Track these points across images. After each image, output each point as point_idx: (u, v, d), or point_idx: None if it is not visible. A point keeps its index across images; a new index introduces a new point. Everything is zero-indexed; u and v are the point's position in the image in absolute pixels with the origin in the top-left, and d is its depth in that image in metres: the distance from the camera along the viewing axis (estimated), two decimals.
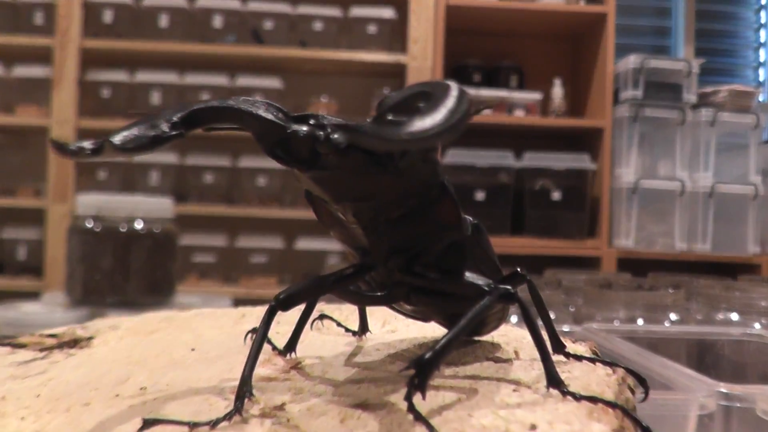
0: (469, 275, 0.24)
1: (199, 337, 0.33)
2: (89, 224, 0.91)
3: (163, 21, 1.56)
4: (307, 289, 0.24)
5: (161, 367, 0.28)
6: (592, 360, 0.26)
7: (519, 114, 1.61)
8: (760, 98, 1.75)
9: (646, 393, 0.24)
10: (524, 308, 0.23)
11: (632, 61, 1.55)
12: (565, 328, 0.66)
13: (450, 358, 0.25)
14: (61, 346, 0.33)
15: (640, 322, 0.80)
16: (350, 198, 0.22)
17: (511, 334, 0.31)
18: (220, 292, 1.39)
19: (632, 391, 0.24)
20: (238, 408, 0.21)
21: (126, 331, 0.35)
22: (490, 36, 1.71)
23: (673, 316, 0.83)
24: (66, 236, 0.96)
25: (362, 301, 0.27)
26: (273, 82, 1.58)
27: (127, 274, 0.93)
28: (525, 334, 0.30)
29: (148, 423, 0.20)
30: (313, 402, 0.22)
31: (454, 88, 0.20)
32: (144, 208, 0.95)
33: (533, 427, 0.19)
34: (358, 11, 1.58)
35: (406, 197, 0.22)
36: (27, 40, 1.54)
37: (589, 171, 1.58)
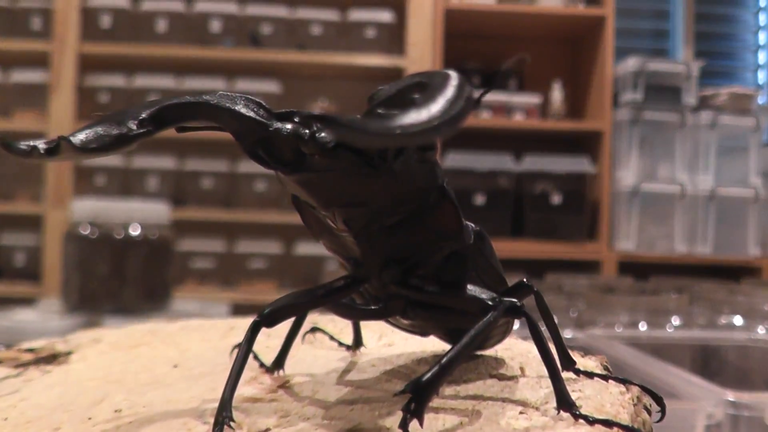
0: (471, 288, 0.22)
1: (183, 352, 0.31)
2: (85, 230, 0.90)
3: (161, 25, 1.56)
4: (294, 303, 0.22)
5: (141, 385, 0.26)
6: (604, 377, 0.24)
7: (518, 117, 1.60)
8: (760, 101, 1.75)
9: (663, 412, 0.23)
10: (532, 323, 0.21)
11: (632, 64, 1.54)
12: (568, 333, 0.65)
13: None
14: (37, 362, 0.31)
15: (642, 326, 0.79)
16: (340, 203, 0.20)
17: (515, 348, 0.29)
18: (218, 298, 1.37)
19: (648, 412, 0.22)
20: None
21: (108, 345, 0.33)
22: (489, 39, 1.70)
23: (675, 321, 0.81)
24: (62, 242, 0.95)
25: (355, 316, 0.25)
26: (271, 86, 1.57)
27: (123, 280, 0.92)
28: (531, 348, 0.28)
29: None
30: (301, 426, 0.20)
31: (453, 76, 0.17)
32: (140, 214, 0.93)
33: None
34: (356, 15, 1.57)
35: (401, 202, 0.20)
36: (25, 45, 1.53)
37: (589, 174, 1.56)
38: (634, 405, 0.22)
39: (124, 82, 1.57)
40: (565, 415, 0.20)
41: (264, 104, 0.19)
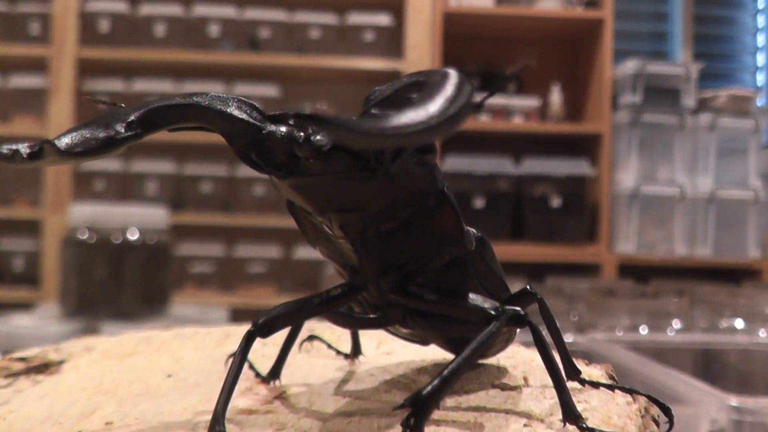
0: (473, 296, 0.21)
1: (177, 361, 0.30)
2: (83, 235, 0.89)
3: (160, 30, 1.56)
4: (289, 313, 0.21)
5: (133, 396, 0.25)
6: (610, 387, 0.23)
7: (518, 120, 1.59)
8: (759, 103, 1.75)
9: (671, 423, 0.22)
10: (536, 332, 0.20)
11: (631, 66, 1.54)
12: (568, 337, 0.64)
13: None
14: (28, 371, 0.30)
15: (643, 330, 0.79)
16: (336, 208, 0.19)
17: (518, 356, 0.28)
18: (217, 302, 1.37)
19: (656, 423, 0.21)
20: None
21: (100, 353, 0.32)
22: (487, 42, 1.70)
23: (677, 324, 0.81)
24: (60, 247, 0.94)
25: (353, 325, 0.24)
26: (270, 90, 1.57)
27: (122, 285, 0.91)
28: (534, 356, 0.27)
29: None
30: None
31: (453, 74, 0.16)
32: (138, 219, 0.93)
33: None
34: (355, 18, 1.57)
35: (399, 207, 0.20)
36: (23, 49, 1.53)
37: (588, 177, 1.56)
38: (642, 416, 0.21)
39: (123, 86, 1.56)
40: (571, 427, 0.20)
41: (257, 106, 0.19)
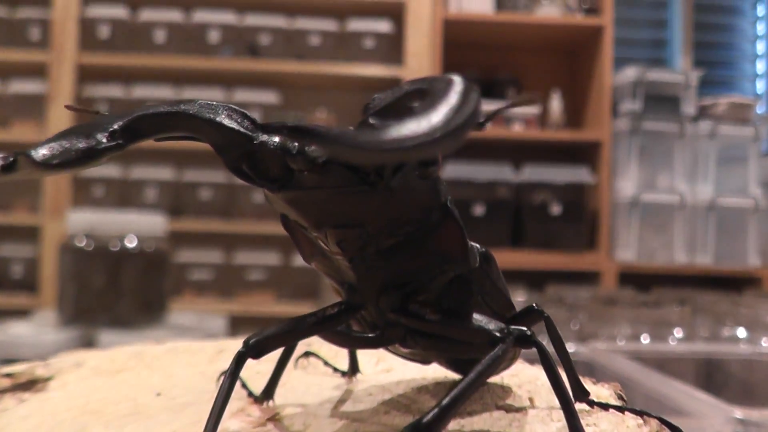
0: (478, 317, 0.20)
1: (168, 378, 0.29)
2: (81, 242, 0.89)
3: (159, 36, 1.56)
4: (282, 333, 0.20)
5: (121, 416, 0.24)
6: (620, 409, 0.22)
7: (517, 127, 1.59)
8: (759, 110, 1.74)
9: None
10: (543, 353, 0.19)
11: (630, 73, 1.54)
12: (570, 347, 0.63)
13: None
14: (14, 388, 0.29)
15: (645, 339, 0.78)
16: (332, 224, 0.18)
17: (522, 375, 0.27)
18: (216, 309, 1.35)
19: None
20: None
21: (90, 369, 0.31)
22: (487, 49, 1.70)
23: (678, 333, 0.80)
24: (58, 254, 0.93)
25: (350, 344, 0.23)
26: (270, 97, 1.57)
27: (119, 292, 0.90)
28: (539, 374, 0.26)
29: None
30: None
31: (457, 81, 0.15)
32: (136, 226, 0.92)
33: None
34: (355, 25, 1.57)
35: (400, 222, 0.19)
36: (23, 55, 1.53)
37: (588, 184, 1.56)
38: None
39: (123, 92, 1.56)
40: None
41: (248, 115, 0.18)
